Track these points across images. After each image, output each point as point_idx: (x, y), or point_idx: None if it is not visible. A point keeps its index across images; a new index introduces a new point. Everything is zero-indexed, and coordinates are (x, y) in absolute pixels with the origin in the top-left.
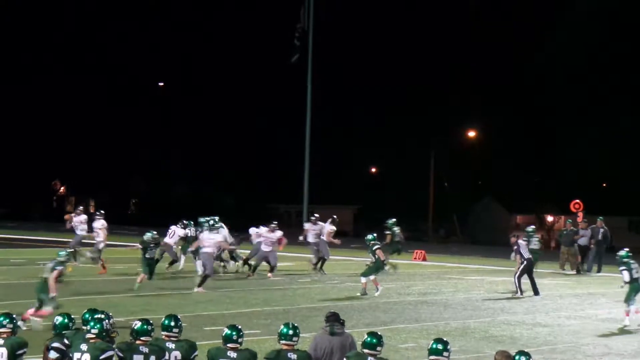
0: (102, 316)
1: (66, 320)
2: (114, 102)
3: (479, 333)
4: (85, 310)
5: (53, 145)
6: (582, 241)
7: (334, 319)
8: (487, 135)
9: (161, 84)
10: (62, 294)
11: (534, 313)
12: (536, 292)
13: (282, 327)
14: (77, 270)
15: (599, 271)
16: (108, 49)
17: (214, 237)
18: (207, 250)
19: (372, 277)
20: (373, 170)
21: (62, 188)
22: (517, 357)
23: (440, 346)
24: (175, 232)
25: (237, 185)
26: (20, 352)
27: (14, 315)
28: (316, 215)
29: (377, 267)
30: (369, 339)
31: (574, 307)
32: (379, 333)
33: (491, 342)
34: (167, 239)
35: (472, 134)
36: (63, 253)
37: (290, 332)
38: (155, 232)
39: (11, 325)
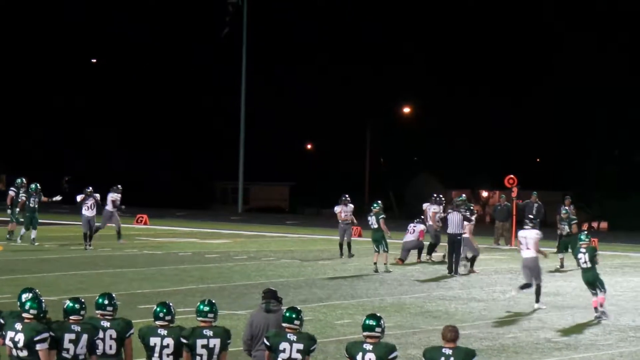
0: (38, 295)
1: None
2: (46, 77)
3: (415, 309)
4: (22, 290)
5: None
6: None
7: (270, 296)
8: (422, 111)
9: (94, 60)
10: None
11: (469, 288)
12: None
13: (198, 304)
14: (8, 249)
15: None
16: (39, 24)
17: None
18: None
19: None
20: (309, 146)
21: None
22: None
23: (372, 322)
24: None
25: (174, 162)
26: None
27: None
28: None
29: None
30: (287, 313)
31: (509, 282)
32: (299, 308)
33: (427, 318)
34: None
35: (407, 109)
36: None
37: (206, 308)
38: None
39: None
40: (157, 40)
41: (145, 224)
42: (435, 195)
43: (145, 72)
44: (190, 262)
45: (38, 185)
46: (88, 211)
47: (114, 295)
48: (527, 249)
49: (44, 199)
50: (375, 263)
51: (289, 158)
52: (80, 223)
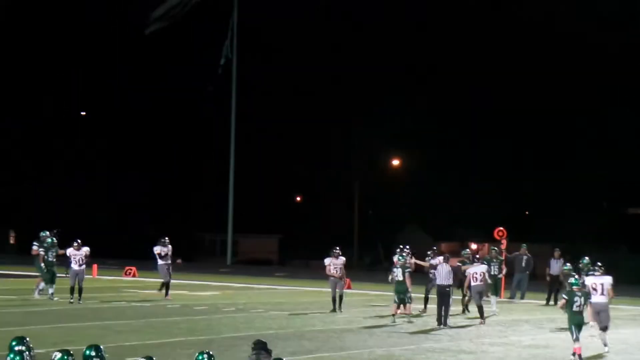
0: (23, 348)
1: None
2: (33, 130)
3: None
4: (12, 339)
5: None
6: (554, 270)
7: (260, 347)
8: (411, 163)
9: (83, 113)
10: None
11: (458, 340)
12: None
13: (197, 354)
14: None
15: (522, 298)
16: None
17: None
18: None
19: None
20: (298, 199)
21: None
22: None
23: None
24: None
25: (161, 214)
26: None
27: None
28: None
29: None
30: None
31: (498, 334)
32: None
33: None
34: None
35: (396, 162)
36: None
37: (206, 357)
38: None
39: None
40: (147, 88)
41: (133, 276)
42: (401, 247)
43: (133, 125)
44: (178, 314)
45: (54, 239)
46: (76, 265)
47: (101, 347)
48: (602, 294)
49: (60, 252)
50: (393, 315)
51: (278, 210)
52: (69, 275)
